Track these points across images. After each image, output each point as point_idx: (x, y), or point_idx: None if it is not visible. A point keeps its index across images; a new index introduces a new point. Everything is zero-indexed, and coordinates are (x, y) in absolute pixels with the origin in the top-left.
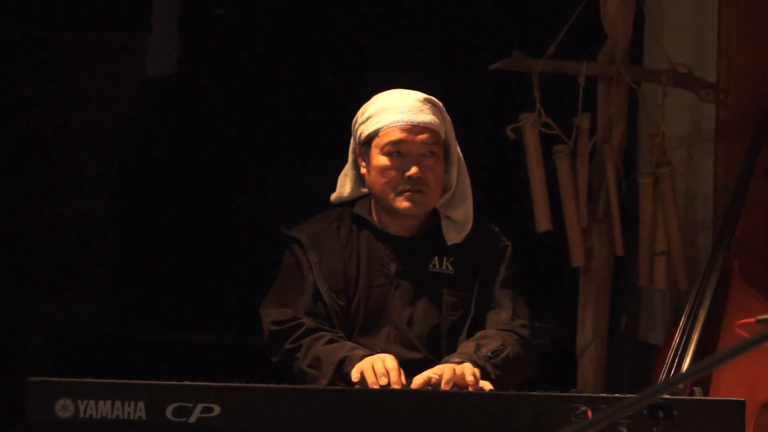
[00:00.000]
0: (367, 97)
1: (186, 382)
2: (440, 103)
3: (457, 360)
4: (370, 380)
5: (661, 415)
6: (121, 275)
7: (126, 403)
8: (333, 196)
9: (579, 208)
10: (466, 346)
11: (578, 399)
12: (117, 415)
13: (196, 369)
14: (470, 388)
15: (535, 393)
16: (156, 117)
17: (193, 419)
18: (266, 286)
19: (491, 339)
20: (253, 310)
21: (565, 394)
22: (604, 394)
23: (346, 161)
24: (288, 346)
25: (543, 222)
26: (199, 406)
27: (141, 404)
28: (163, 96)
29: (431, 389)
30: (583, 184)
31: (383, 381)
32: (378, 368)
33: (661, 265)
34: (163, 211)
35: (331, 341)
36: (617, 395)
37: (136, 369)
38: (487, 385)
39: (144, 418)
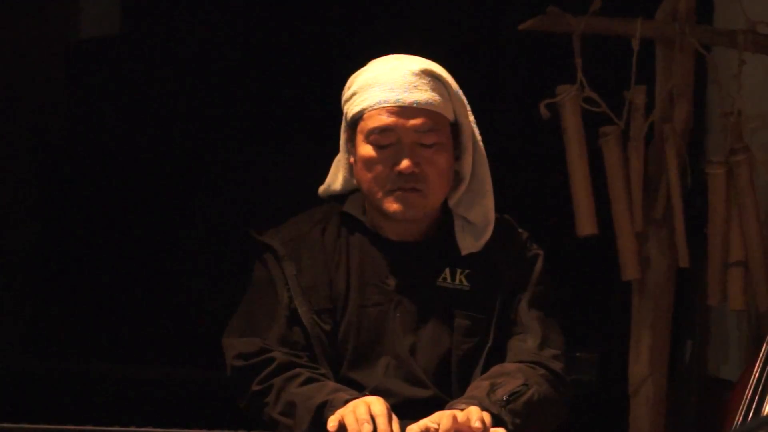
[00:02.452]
0: (364, 64)
1: (131, 428)
2: (445, 74)
3: (463, 407)
4: (351, 428)
5: None
6: (41, 292)
7: None
8: (321, 188)
9: (632, 206)
10: (478, 386)
11: None
12: None
13: (145, 411)
14: None
15: None
16: (92, 90)
17: None
18: (231, 307)
19: (510, 377)
20: (215, 337)
21: None
22: None
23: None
24: (255, 387)
25: (586, 224)
26: None
27: None
28: (102, 63)
29: None
30: (637, 175)
31: (366, 430)
32: (360, 413)
33: (736, 280)
34: (98, 211)
35: (308, 381)
36: None
37: (68, 411)
38: None
39: None
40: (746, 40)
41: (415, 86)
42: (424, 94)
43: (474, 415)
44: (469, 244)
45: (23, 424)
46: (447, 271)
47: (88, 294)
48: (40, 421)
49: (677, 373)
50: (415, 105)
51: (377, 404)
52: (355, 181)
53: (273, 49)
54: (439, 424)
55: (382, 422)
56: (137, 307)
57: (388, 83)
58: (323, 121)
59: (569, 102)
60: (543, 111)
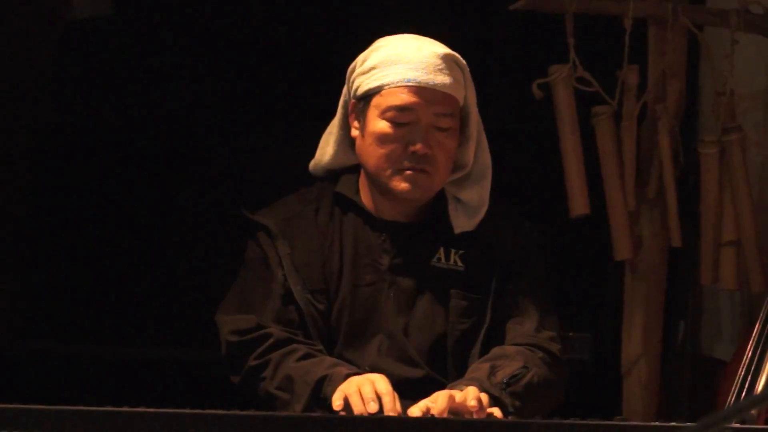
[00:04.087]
0: (355, 43)
1: (125, 408)
2: (463, 61)
3: (462, 388)
4: (357, 407)
5: None
6: (30, 272)
7: None
8: (311, 164)
9: (624, 186)
10: (478, 368)
11: (624, 428)
12: None
13: (136, 391)
14: (475, 416)
15: (567, 421)
16: (83, 72)
17: None
18: (223, 287)
19: (510, 359)
20: (207, 316)
21: (607, 422)
22: (657, 423)
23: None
24: (252, 362)
25: (579, 204)
26: None
27: None
28: (94, 44)
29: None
30: (629, 155)
31: (372, 408)
32: (366, 392)
33: (729, 260)
34: (87, 191)
35: (306, 356)
36: (673, 424)
37: (56, 392)
38: (497, 414)
39: None
40: (739, 20)
41: (439, 69)
42: (447, 78)
43: (471, 394)
44: (462, 222)
45: (13, 404)
46: (441, 251)
47: (76, 275)
48: (30, 401)
49: (670, 352)
50: (439, 88)
51: (382, 383)
52: (349, 156)
53: (265, 32)
54: (436, 403)
55: (388, 401)
56: (126, 288)
57: (413, 62)
58: (313, 104)
59: (562, 82)
60: (536, 91)
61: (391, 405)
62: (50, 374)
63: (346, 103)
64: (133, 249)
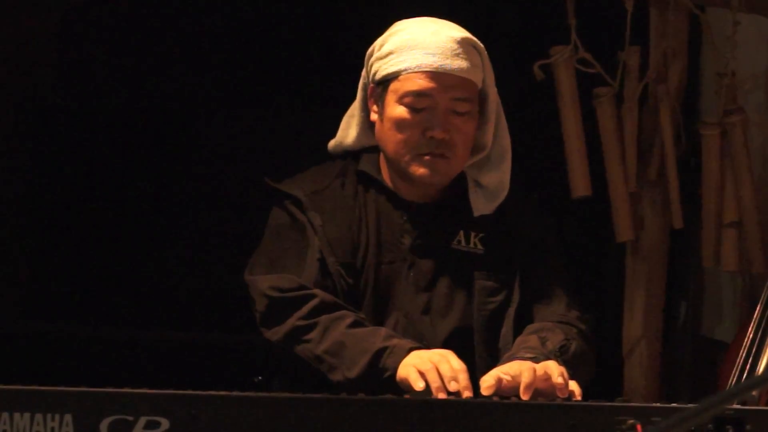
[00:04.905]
0: (363, 25)
1: (126, 390)
2: (481, 45)
3: (528, 356)
4: (436, 384)
5: (730, 430)
6: (35, 251)
7: (49, 416)
8: (332, 143)
9: (626, 167)
10: (527, 340)
11: (625, 410)
12: None
13: (139, 373)
14: (559, 393)
15: (570, 402)
16: (84, 51)
17: None
18: (230, 269)
19: (551, 332)
20: (210, 299)
21: (609, 403)
22: (658, 404)
23: (339, 107)
24: (298, 321)
25: (580, 185)
26: (143, 420)
27: (68, 418)
28: (93, 24)
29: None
30: (631, 137)
31: (453, 387)
32: (445, 370)
33: (730, 241)
34: (93, 170)
35: (356, 324)
36: (674, 405)
37: (60, 373)
38: (576, 389)
39: None
40: (740, 1)
41: (456, 54)
42: (465, 62)
43: (554, 369)
44: (481, 206)
45: (18, 385)
46: (461, 234)
47: (81, 256)
48: (34, 382)
49: (671, 334)
50: (455, 73)
51: (455, 359)
52: (371, 138)
53: (271, 9)
54: (512, 375)
55: (463, 378)
56: (133, 269)
57: (430, 47)
58: (329, 87)
59: (563, 63)
60: (537, 72)
61: (467, 382)
62: (55, 355)
63: (365, 86)
64: (140, 231)
